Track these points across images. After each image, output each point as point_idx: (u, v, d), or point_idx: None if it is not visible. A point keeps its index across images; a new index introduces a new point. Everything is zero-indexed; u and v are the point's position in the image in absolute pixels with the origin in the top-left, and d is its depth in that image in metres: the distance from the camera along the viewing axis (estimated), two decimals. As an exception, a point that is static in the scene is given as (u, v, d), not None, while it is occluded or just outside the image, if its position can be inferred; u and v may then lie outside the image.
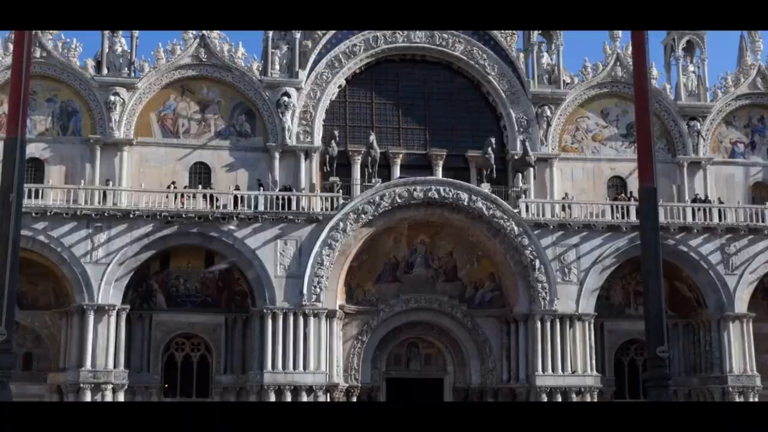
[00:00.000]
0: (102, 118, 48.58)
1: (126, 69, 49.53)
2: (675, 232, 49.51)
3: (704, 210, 50.71)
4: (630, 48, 45.94)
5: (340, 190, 48.45)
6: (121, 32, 50.18)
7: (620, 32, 54.20)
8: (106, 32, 49.74)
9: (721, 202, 51.89)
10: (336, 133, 50.44)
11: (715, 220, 50.27)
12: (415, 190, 47.79)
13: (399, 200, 47.63)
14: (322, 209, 47.42)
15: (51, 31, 48.97)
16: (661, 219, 47.15)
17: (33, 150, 46.80)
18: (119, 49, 49.74)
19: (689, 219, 50.16)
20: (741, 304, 49.72)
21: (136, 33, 50.11)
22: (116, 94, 48.71)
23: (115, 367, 44.46)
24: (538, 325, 47.70)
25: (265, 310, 45.75)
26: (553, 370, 47.39)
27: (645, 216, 12.21)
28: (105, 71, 49.25)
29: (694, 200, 51.65)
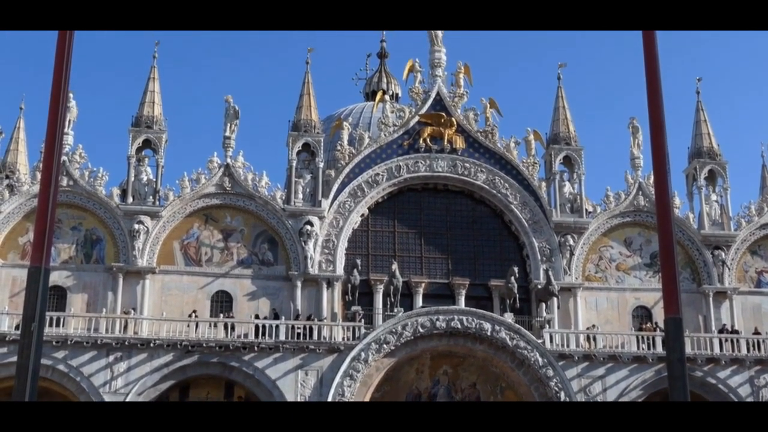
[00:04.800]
0: (125, 246, 48.88)
1: (151, 197, 50.07)
2: (702, 363, 48.65)
3: (732, 341, 49.92)
4: (652, 177, 46.13)
5: (362, 320, 48.12)
6: (147, 161, 50.98)
7: (641, 161, 54.47)
8: (132, 161, 50.46)
9: (757, 333, 50.98)
10: (358, 262, 50.37)
11: (744, 351, 49.41)
12: (437, 319, 47.39)
13: (421, 330, 47.20)
14: (343, 339, 47.01)
15: (78, 160, 49.78)
16: (688, 350, 46.40)
17: (56, 278, 46.99)
18: (144, 178, 50.40)
19: (716, 350, 49.31)
20: (773, 439, 48.35)
21: (161, 162, 50.81)
22: (140, 222, 49.12)
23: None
24: (565, 459, 46.44)
25: (284, 442, 44.85)
26: (580, 507, 45.91)
27: (671, 347, 11.89)
28: (130, 199, 49.79)
29: (721, 331, 50.91)
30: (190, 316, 47.61)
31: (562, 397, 46.86)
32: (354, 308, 48.76)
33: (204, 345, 45.70)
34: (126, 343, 45.15)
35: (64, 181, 48.62)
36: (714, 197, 55.12)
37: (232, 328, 46.92)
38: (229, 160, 51.35)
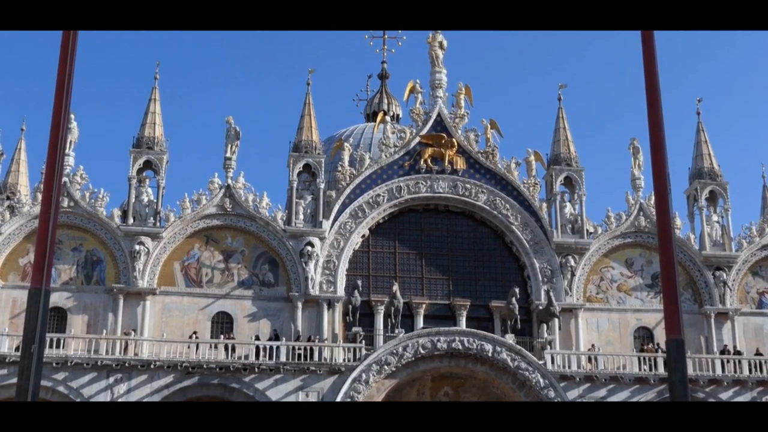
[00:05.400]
0: (126, 267, 48.82)
1: (152, 218, 50.03)
2: (704, 384, 48.48)
3: (733, 362, 49.75)
4: (653, 198, 46.12)
5: (363, 341, 47.99)
6: (148, 182, 50.99)
7: (642, 182, 54.44)
8: (134, 182, 50.49)
9: (759, 354, 50.80)
10: (359, 282, 50.24)
11: (746, 372, 49.25)
12: (438, 340, 47.27)
13: (422, 351, 47.06)
14: (344, 360, 46.89)
15: (79, 181, 49.81)
16: (690, 371, 46.32)
17: (56, 299, 46.89)
18: (145, 199, 50.38)
19: (718, 371, 49.16)
20: (776, 460, 48.13)
21: (162, 182, 50.83)
22: (141, 243, 49.07)
23: None
24: (566, 481, 46.22)
25: (285, 464, 44.65)
26: None
27: (673, 369, 11.84)
28: (131, 220, 49.76)
29: (722, 352, 50.74)
30: (190, 337, 47.51)
31: (564, 418, 46.63)
32: (355, 329, 48.62)
33: (204, 366, 45.57)
34: (126, 364, 45.03)
35: (65, 202, 48.61)
36: (715, 218, 55.06)
37: (233, 350, 46.81)
38: (230, 181, 51.37)
